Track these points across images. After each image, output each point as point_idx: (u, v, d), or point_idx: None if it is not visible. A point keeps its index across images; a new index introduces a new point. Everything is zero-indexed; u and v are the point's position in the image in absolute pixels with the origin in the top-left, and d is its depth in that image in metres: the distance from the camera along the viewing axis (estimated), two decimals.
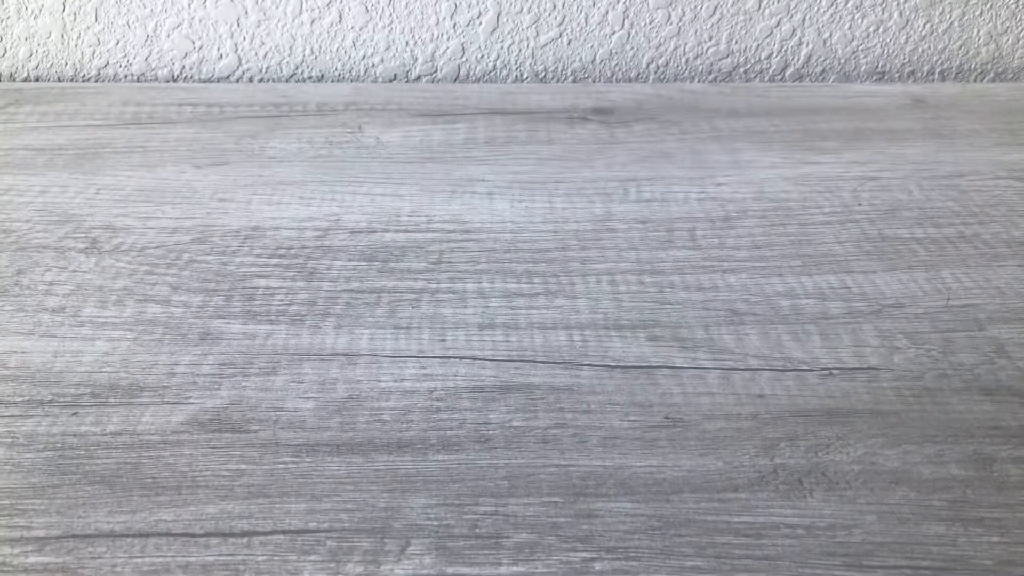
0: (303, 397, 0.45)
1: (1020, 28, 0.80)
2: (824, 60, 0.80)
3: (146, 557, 0.37)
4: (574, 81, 0.83)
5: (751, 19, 0.80)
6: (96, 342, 0.48)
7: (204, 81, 0.79)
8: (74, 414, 0.44)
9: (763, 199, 0.62)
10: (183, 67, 0.79)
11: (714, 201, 0.62)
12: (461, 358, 0.47)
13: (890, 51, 0.81)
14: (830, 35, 0.81)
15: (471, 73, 0.81)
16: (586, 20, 0.80)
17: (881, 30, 0.80)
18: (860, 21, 0.80)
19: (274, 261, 0.55)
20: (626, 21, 0.80)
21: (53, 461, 0.41)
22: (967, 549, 0.37)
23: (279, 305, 0.51)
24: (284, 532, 0.38)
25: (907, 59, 0.81)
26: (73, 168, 0.64)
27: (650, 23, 0.80)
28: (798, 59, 0.81)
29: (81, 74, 0.78)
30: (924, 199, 0.62)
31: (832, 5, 0.79)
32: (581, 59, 0.81)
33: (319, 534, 0.38)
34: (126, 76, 0.79)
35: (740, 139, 0.70)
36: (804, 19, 0.80)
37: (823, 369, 0.46)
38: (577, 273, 0.54)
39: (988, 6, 0.79)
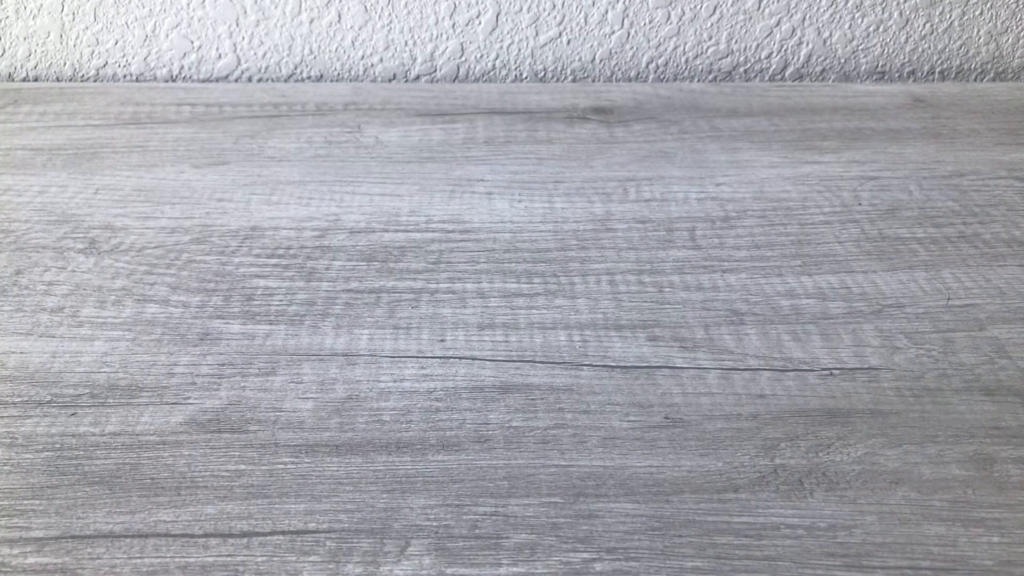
0: (302, 397, 0.45)
1: (1020, 27, 0.80)
2: (824, 60, 0.81)
3: (145, 558, 0.37)
4: (573, 81, 0.83)
5: (751, 18, 0.80)
6: (95, 342, 0.48)
7: (203, 81, 0.79)
8: (73, 414, 0.43)
9: (763, 199, 0.62)
10: (182, 67, 0.79)
11: (714, 201, 0.62)
12: (460, 358, 0.47)
13: (890, 51, 0.81)
14: (830, 35, 0.81)
15: (470, 73, 0.81)
16: (585, 19, 0.80)
17: (881, 29, 0.80)
18: (860, 20, 0.80)
19: (273, 261, 0.55)
20: (625, 20, 0.80)
21: (52, 462, 0.41)
22: (967, 549, 0.37)
23: (278, 305, 0.51)
24: (283, 533, 0.38)
25: (907, 59, 0.81)
26: (72, 168, 0.64)
27: (650, 22, 0.80)
28: (798, 59, 0.81)
29: (80, 74, 0.78)
30: (924, 199, 0.62)
31: (832, 5, 0.79)
32: (580, 59, 0.81)
33: (318, 535, 0.38)
34: (125, 76, 0.79)
35: (740, 139, 0.70)
36: (804, 18, 0.80)
37: (823, 369, 0.46)
38: (577, 273, 0.54)
39: (988, 5, 0.79)
